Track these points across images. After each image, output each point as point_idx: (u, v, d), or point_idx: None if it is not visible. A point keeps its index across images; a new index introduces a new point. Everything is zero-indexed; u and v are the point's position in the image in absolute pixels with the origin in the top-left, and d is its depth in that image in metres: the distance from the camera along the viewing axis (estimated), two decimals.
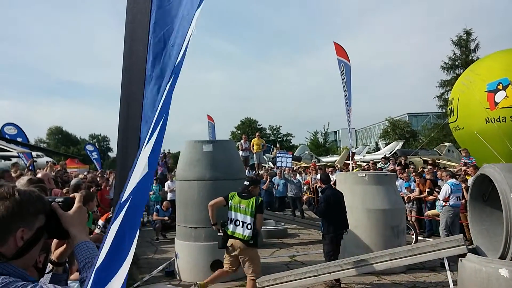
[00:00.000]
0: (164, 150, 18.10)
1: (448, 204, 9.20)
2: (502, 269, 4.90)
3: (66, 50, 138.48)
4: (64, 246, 1.64)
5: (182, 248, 7.58)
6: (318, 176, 15.69)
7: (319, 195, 9.45)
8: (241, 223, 5.73)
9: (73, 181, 8.06)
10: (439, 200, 9.66)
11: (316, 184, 14.69)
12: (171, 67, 1.56)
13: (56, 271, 1.65)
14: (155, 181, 15.34)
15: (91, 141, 63.14)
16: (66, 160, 27.00)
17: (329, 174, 11.17)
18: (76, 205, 1.58)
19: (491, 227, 5.77)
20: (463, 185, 9.65)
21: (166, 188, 13.79)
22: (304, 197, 10.18)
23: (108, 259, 1.33)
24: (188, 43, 1.52)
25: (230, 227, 5.82)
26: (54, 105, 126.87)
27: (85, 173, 16.29)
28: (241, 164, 8.51)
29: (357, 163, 20.48)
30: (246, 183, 6.07)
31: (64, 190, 6.75)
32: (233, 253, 5.87)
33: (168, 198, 12.85)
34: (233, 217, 5.82)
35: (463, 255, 5.48)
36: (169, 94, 1.51)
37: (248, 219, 5.68)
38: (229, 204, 5.89)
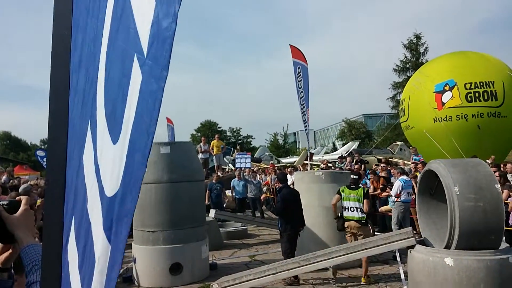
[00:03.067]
0: None
1: (400, 200, 9.63)
2: (447, 258, 5.20)
3: (15, 52, 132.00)
4: (10, 251, 1.58)
5: (139, 252, 7.46)
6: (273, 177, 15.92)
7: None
8: (354, 209, 7.15)
9: (22, 187, 7.74)
10: (391, 196, 10.07)
11: (275, 184, 14.86)
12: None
13: (1, 277, 1.60)
14: None
15: (42, 147, 60.43)
16: (15, 166, 25.72)
17: (287, 174, 11.39)
18: (22, 207, 1.51)
19: (438, 219, 6.08)
20: (413, 181, 10.11)
21: None
22: (262, 197, 10.34)
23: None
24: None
25: (344, 213, 7.24)
26: (2, 109, 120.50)
27: (36, 179, 15.61)
28: (199, 166, 8.50)
29: (315, 163, 20.91)
30: (354, 177, 7.56)
31: (13, 194, 6.46)
32: (350, 233, 7.20)
33: None
34: (345, 206, 7.23)
35: (413, 247, 5.75)
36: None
37: (358, 205, 7.13)
38: (342, 195, 7.28)
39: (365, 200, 7.17)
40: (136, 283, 7.40)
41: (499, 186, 5.54)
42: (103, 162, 1.28)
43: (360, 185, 7.79)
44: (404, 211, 9.65)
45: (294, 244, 7.18)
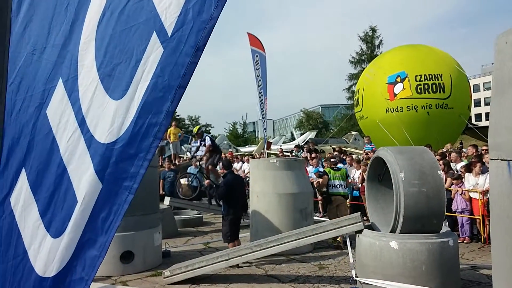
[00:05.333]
0: None
1: None
2: (392, 241, 5.42)
3: None
4: None
5: None
6: (235, 165, 15.91)
7: None
8: (339, 186, 9.08)
9: None
10: None
11: (222, 171, 14.94)
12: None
13: None
14: None
15: None
16: None
17: (231, 160, 11.83)
18: None
19: (385, 205, 6.32)
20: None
21: None
22: (206, 182, 10.38)
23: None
24: None
25: (331, 190, 9.13)
26: None
27: None
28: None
29: (273, 152, 21.08)
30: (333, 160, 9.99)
31: None
32: (335, 204, 8.99)
33: None
34: (332, 184, 9.10)
35: (361, 231, 5.95)
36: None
37: (342, 182, 9.14)
38: (329, 176, 9.12)
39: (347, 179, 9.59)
40: None
41: (442, 172, 5.83)
42: (94, 114, 1.45)
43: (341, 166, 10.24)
44: None
45: (235, 228, 7.48)
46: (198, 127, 13.41)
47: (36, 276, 1.44)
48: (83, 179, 1.41)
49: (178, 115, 56.87)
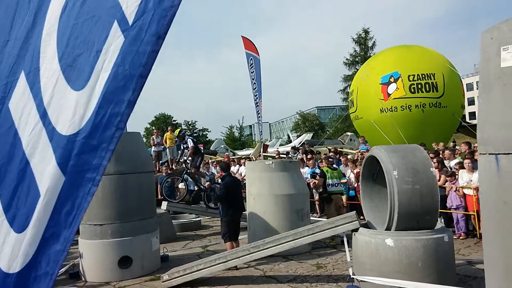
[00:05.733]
0: None
1: None
2: (388, 239, 5.47)
3: None
4: None
5: (87, 247, 7.24)
6: (232, 168, 15.95)
7: None
8: (338, 184, 10.04)
9: None
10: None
11: (221, 173, 14.97)
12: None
13: None
14: None
15: None
16: None
17: (229, 163, 11.89)
18: None
19: (380, 203, 6.38)
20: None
21: None
22: (206, 184, 10.44)
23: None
24: None
25: (329, 188, 10.01)
26: None
27: None
28: (148, 156, 8.34)
29: (270, 155, 21.14)
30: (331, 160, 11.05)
31: None
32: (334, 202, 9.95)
33: None
34: (330, 183, 9.99)
35: (357, 230, 6.00)
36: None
37: (338, 181, 10.03)
38: (327, 175, 10.02)
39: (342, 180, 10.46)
40: (83, 279, 7.19)
41: (434, 169, 5.89)
42: (56, 106, 1.44)
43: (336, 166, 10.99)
44: None
45: (233, 228, 7.66)
46: (178, 130, 13.23)
47: (1, 272, 1.40)
48: (46, 172, 1.39)
49: (174, 120, 56.94)
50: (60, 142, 1.38)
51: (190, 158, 12.16)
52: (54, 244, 1.35)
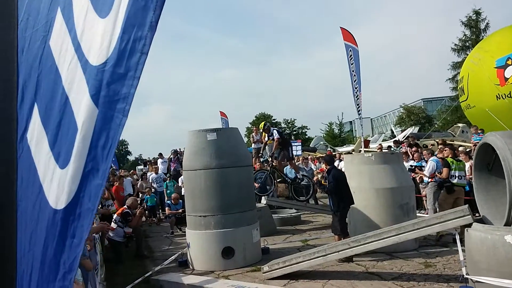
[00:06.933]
0: (179, 148, 18.32)
1: (434, 180, 9.40)
2: (508, 235, 4.85)
3: None
4: None
5: (193, 237, 7.70)
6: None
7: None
8: (462, 177, 8.89)
9: None
10: (426, 176, 9.83)
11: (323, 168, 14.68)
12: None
13: None
14: (168, 178, 15.56)
15: None
16: None
17: (333, 156, 11.35)
18: None
19: (497, 196, 5.69)
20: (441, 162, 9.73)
21: (180, 184, 13.95)
22: (314, 178, 10.29)
23: None
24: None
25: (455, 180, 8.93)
26: None
27: None
28: (246, 151, 8.56)
29: (372, 150, 20.34)
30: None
31: None
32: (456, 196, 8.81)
33: (182, 194, 12.98)
34: (455, 174, 8.94)
35: (469, 226, 5.44)
36: None
37: (464, 173, 9.03)
38: (452, 166, 9.01)
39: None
40: (190, 267, 7.67)
41: None
42: (87, 37, 1.44)
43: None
44: (439, 191, 9.37)
45: (346, 223, 7.47)
46: (263, 123, 12.95)
47: (50, 209, 1.43)
48: (82, 105, 1.38)
49: (274, 119, 57.86)
50: (92, 73, 1.38)
51: (277, 149, 11.70)
52: (94, 178, 1.35)
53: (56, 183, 1.43)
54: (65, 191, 1.39)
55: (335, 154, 19.49)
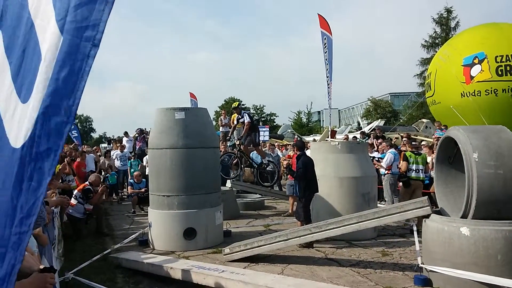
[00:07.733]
0: (145, 128, 17.89)
1: (390, 172, 9.79)
2: (463, 227, 5.02)
3: None
4: None
5: (155, 216, 7.56)
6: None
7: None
8: (419, 170, 9.00)
9: None
10: (383, 168, 10.16)
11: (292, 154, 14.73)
12: None
13: None
14: (133, 157, 15.21)
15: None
16: None
17: (304, 142, 11.39)
18: None
19: (456, 189, 5.87)
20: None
21: (144, 163, 13.66)
22: (285, 163, 10.30)
23: None
24: None
25: (411, 174, 9.04)
26: None
27: None
28: (213, 132, 8.41)
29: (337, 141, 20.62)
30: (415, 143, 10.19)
31: None
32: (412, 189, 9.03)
33: (147, 173, 12.70)
34: (413, 168, 9.03)
35: (427, 217, 5.59)
36: None
37: (421, 167, 9.05)
38: (409, 160, 9.09)
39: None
40: (151, 247, 7.54)
41: None
42: None
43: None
44: (395, 183, 9.81)
45: (309, 210, 7.47)
46: (237, 102, 12.75)
47: (10, 147, 1.28)
48: (47, 32, 1.25)
49: (243, 104, 57.66)
50: None
51: (245, 135, 11.38)
52: (54, 116, 1.19)
53: (17, 119, 1.28)
54: (24, 128, 1.24)
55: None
